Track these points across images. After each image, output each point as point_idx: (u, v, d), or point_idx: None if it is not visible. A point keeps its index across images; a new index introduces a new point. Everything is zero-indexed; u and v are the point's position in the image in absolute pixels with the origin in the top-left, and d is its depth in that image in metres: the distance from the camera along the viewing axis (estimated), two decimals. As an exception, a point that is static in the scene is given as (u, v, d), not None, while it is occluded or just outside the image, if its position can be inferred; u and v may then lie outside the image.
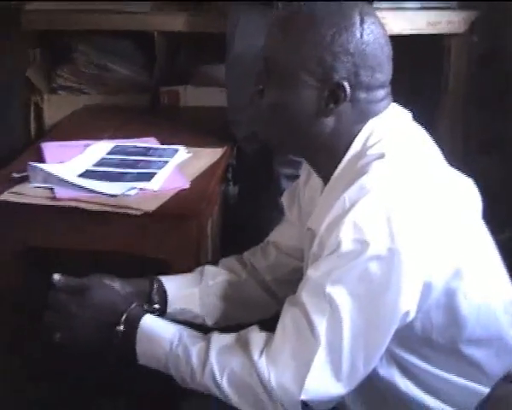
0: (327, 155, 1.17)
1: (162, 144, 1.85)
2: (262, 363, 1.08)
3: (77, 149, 1.78)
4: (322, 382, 1.07)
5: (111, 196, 1.50)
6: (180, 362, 1.14)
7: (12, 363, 1.55)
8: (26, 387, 1.58)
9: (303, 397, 1.07)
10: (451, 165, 1.21)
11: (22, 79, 2.09)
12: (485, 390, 1.09)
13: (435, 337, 1.13)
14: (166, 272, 1.38)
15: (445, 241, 1.10)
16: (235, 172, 2.02)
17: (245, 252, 1.43)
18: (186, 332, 1.17)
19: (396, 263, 1.05)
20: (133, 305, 1.21)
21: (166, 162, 1.69)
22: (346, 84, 1.11)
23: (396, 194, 1.08)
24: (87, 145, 1.81)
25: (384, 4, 2.08)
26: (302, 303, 1.09)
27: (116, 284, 1.28)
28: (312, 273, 1.10)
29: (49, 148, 1.82)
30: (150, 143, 1.86)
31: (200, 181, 1.62)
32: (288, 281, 1.35)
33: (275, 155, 1.83)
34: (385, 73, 1.15)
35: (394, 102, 1.19)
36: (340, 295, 1.06)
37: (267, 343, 1.11)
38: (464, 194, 1.19)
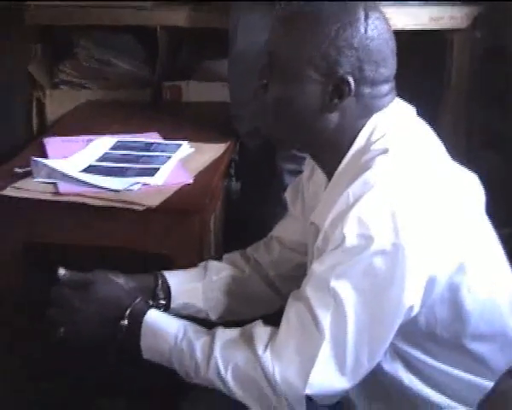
0: (331, 151, 1.17)
1: (165, 139, 1.84)
2: (266, 357, 1.09)
3: (79, 145, 1.78)
4: (327, 376, 1.07)
5: (114, 192, 1.50)
6: (184, 356, 1.14)
7: (12, 363, 1.55)
8: (26, 387, 1.58)
9: (307, 391, 1.07)
10: (454, 160, 1.21)
11: (24, 74, 2.09)
12: (489, 385, 1.09)
13: (439, 332, 1.13)
14: (169, 268, 1.38)
15: (449, 235, 1.10)
16: (238, 168, 2.01)
17: (248, 247, 1.43)
18: (190, 327, 1.17)
19: (400, 258, 1.05)
20: (137, 300, 1.21)
21: (169, 157, 1.69)
22: (350, 78, 1.11)
23: (400, 189, 1.08)
24: (90, 140, 1.81)
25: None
26: (306, 298, 1.09)
27: (120, 280, 1.28)
28: (317, 268, 1.10)
29: (52, 143, 1.81)
30: (153, 138, 1.86)
31: (203, 176, 1.61)
32: (292, 276, 1.35)
33: (278, 150, 1.83)
34: (389, 67, 1.15)
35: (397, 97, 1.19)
36: (344, 289, 1.06)
37: (271, 338, 1.11)
38: (468, 189, 1.19)
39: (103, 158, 1.71)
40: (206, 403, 1.14)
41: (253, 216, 1.99)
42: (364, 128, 1.15)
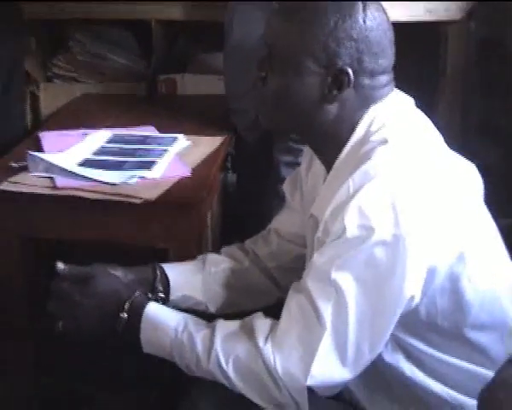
0: (330, 142, 1.16)
1: (161, 133, 1.84)
2: (267, 349, 1.09)
3: (75, 138, 1.77)
4: (328, 367, 1.07)
5: (111, 185, 1.50)
6: (185, 349, 1.13)
7: (10, 358, 1.54)
8: (25, 382, 1.57)
9: (309, 383, 1.07)
10: (450, 150, 1.21)
11: (21, 69, 2.08)
12: (490, 374, 1.09)
13: (440, 322, 1.13)
14: (166, 261, 1.38)
15: (449, 225, 1.10)
16: (234, 161, 2.01)
17: (247, 240, 1.43)
18: (191, 320, 1.17)
19: (401, 248, 1.05)
20: (137, 293, 1.21)
21: (166, 150, 1.69)
22: (349, 70, 1.11)
23: (400, 179, 1.08)
24: (85, 134, 1.80)
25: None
26: (307, 289, 1.09)
27: (119, 273, 1.28)
28: (317, 259, 1.10)
29: (48, 137, 1.81)
30: (149, 131, 1.85)
31: (200, 169, 1.61)
32: (291, 268, 1.35)
33: (275, 142, 1.83)
34: (388, 58, 1.15)
35: (393, 88, 1.19)
36: (345, 280, 1.06)
37: (272, 330, 1.11)
38: (466, 178, 1.19)
39: (100, 152, 1.70)
40: (206, 400, 1.13)
41: (249, 209, 1.99)
42: (363, 119, 1.15)
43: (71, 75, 2.32)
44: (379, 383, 1.18)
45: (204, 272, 1.35)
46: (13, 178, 1.53)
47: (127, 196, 1.45)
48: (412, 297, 1.08)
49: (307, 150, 1.35)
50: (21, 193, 1.49)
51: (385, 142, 1.11)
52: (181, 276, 1.34)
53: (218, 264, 1.37)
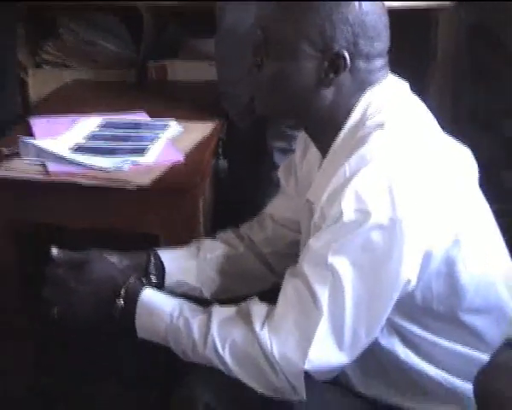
0: (326, 127, 1.16)
1: (152, 119, 1.83)
2: (264, 334, 1.09)
3: (65, 124, 1.76)
4: (325, 352, 1.07)
5: (104, 171, 1.49)
6: (181, 335, 1.13)
7: (4, 345, 1.53)
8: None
9: (306, 367, 1.07)
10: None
11: (12, 55, 2.06)
12: (485, 358, 1.09)
13: (435, 306, 1.13)
14: (157, 247, 1.37)
15: (445, 209, 1.10)
16: (225, 147, 2.01)
17: (241, 225, 1.43)
18: (186, 305, 1.17)
19: (398, 232, 1.05)
20: (132, 279, 1.20)
21: (158, 136, 1.68)
22: (345, 53, 1.11)
23: (396, 163, 1.08)
24: (76, 120, 1.79)
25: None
26: (304, 274, 1.09)
27: (114, 258, 1.27)
28: (314, 244, 1.10)
29: (38, 123, 1.79)
30: (140, 117, 1.84)
31: (193, 154, 1.60)
32: (286, 254, 1.35)
33: (268, 128, 1.82)
34: (383, 41, 1.15)
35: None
36: (342, 264, 1.06)
37: (269, 315, 1.11)
38: (461, 162, 1.19)
39: (91, 137, 1.69)
40: (203, 386, 1.13)
41: (241, 195, 1.99)
42: (359, 103, 1.14)
43: (60, 61, 2.30)
44: (375, 368, 1.18)
45: (199, 257, 1.35)
46: (4, 164, 1.52)
47: (121, 181, 1.45)
48: (408, 281, 1.08)
49: (301, 136, 1.34)
50: (13, 179, 1.47)
51: (381, 126, 1.11)
52: (176, 261, 1.34)
53: (213, 249, 1.37)
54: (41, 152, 1.53)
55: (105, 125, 1.76)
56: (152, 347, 1.16)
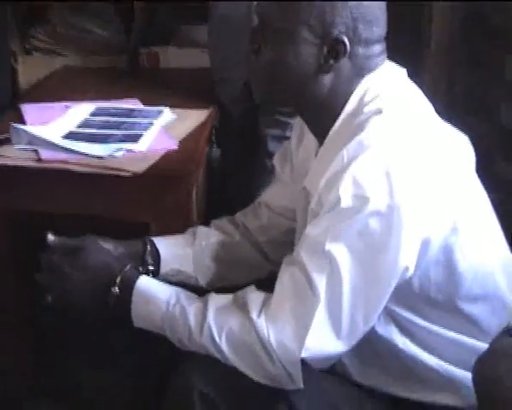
0: (324, 113, 1.15)
1: (145, 106, 1.81)
2: (261, 322, 1.08)
3: (57, 111, 1.74)
4: (323, 339, 1.07)
5: (98, 158, 1.47)
6: (177, 323, 1.12)
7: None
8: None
9: (303, 355, 1.07)
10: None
11: (3, 41, 2.03)
12: (483, 346, 1.09)
13: (433, 294, 1.13)
14: (154, 235, 1.36)
15: (443, 196, 1.10)
16: (218, 135, 1.99)
17: (237, 213, 1.42)
18: (182, 293, 1.16)
19: (395, 219, 1.05)
20: (128, 267, 1.19)
21: (152, 123, 1.66)
22: (345, 39, 1.10)
23: (394, 149, 1.07)
24: (68, 107, 1.77)
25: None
26: (301, 261, 1.09)
27: (109, 245, 1.26)
28: (311, 231, 1.09)
29: (29, 110, 1.77)
30: (133, 104, 1.82)
31: (188, 142, 1.59)
32: (281, 242, 1.34)
33: (262, 115, 1.81)
34: (381, 26, 1.15)
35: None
36: (339, 251, 1.06)
37: (265, 303, 1.10)
38: (459, 149, 1.19)
39: (84, 124, 1.67)
40: (199, 375, 1.12)
41: (234, 183, 1.98)
42: (357, 90, 1.14)
43: (50, 48, 2.27)
44: (372, 356, 1.17)
45: (194, 245, 1.34)
46: (-4, 151, 1.50)
47: (115, 169, 1.43)
48: (406, 268, 1.08)
49: (297, 122, 1.34)
50: (5, 166, 1.46)
51: (379, 112, 1.10)
52: (171, 250, 1.33)
53: (209, 237, 1.36)
54: (33, 139, 1.51)
55: (97, 113, 1.75)
56: (148, 336, 1.15)
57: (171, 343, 1.14)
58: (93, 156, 1.48)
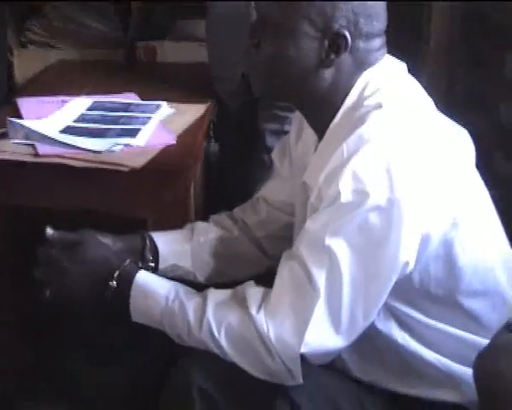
0: (324, 108, 1.15)
1: (142, 100, 1.80)
2: (260, 317, 1.07)
3: (54, 105, 1.73)
4: (322, 335, 1.07)
5: (95, 153, 1.46)
6: (176, 318, 1.12)
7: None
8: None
9: (302, 350, 1.06)
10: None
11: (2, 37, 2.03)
12: (483, 342, 1.09)
13: (433, 290, 1.13)
14: (152, 230, 1.35)
15: (443, 191, 1.09)
16: (216, 129, 1.99)
17: (235, 208, 1.41)
18: (182, 288, 1.15)
19: (395, 213, 1.04)
20: (127, 261, 1.19)
21: (150, 118, 1.65)
22: (346, 33, 1.09)
23: (395, 144, 1.07)
24: (64, 101, 1.76)
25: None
26: (300, 257, 1.08)
27: (108, 240, 1.26)
28: (310, 225, 1.09)
29: (26, 104, 1.76)
30: (130, 98, 1.81)
31: (186, 137, 1.58)
32: (280, 237, 1.34)
33: (260, 110, 1.81)
34: (381, 21, 1.14)
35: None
36: (339, 246, 1.05)
37: (265, 298, 1.09)
38: (459, 144, 1.19)
39: (81, 119, 1.66)
40: (199, 371, 1.12)
41: (232, 178, 1.97)
42: (357, 84, 1.13)
43: (46, 41, 2.25)
44: (371, 352, 1.17)
45: (193, 240, 1.34)
46: (-8, 146, 1.49)
47: (113, 163, 1.42)
48: (407, 263, 1.07)
49: (296, 118, 1.33)
50: (2, 160, 1.44)
51: (379, 106, 1.10)
52: (170, 245, 1.32)
53: (207, 233, 1.35)
54: (30, 133, 1.50)
55: (94, 107, 1.73)
56: (147, 332, 1.14)
57: (171, 339, 1.14)
58: (91, 151, 1.47)
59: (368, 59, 1.13)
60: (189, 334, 1.11)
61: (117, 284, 1.16)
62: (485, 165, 1.26)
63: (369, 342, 1.14)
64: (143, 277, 1.17)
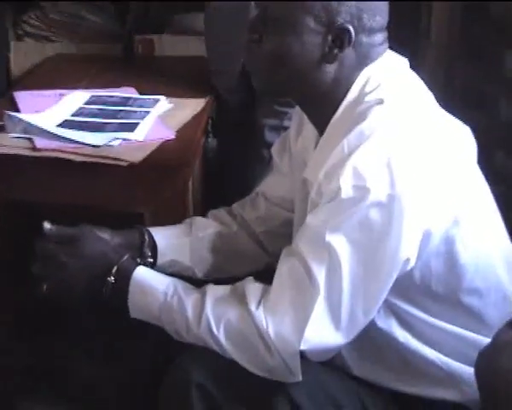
0: (326, 103, 1.14)
1: (140, 95, 1.79)
2: (260, 314, 1.07)
3: (52, 99, 1.72)
4: (322, 331, 1.06)
5: (94, 147, 1.46)
6: (175, 314, 1.11)
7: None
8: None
9: (302, 347, 1.05)
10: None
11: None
12: (484, 341, 1.08)
13: (434, 287, 1.12)
14: (150, 225, 1.35)
15: (445, 187, 1.09)
16: (215, 125, 1.98)
17: (234, 204, 1.40)
18: (180, 284, 1.14)
19: (396, 210, 1.04)
20: (125, 257, 1.18)
21: (148, 112, 1.65)
22: (350, 27, 1.09)
23: (396, 140, 1.06)
24: (62, 95, 1.75)
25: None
26: (300, 253, 1.07)
27: (106, 235, 1.24)
28: (311, 221, 1.08)
29: (23, 97, 1.75)
30: (129, 92, 1.80)
31: (185, 132, 1.58)
32: (279, 233, 1.33)
33: (259, 105, 1.80)
34: (383, 15, 1.13)
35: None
36: (339, 243, 1.04)
37: (264, 294, 1.09)
38: (461, 140, 1.18)
39: (79, 113, 1.66)
40: (198, 368, 1.11)
41: (231, 174, 1.97)
42: (358, 79, 1.13)
43: (43, 34, 2.24)
44: (371, 350, 1.16)
45: (191, 236, 1.33)
46: (-11, 139, 1.48)
47: (111, 158, 1.42)
48: (408, 260, 1.07)
49: (296, 113, 1.32)
50: (-1, 154, 1.44)
51: (380, 102, 1.09)
52: (168, 240, 1.31)
53: (206, 228, 1.34)
54: (28, 127, 1.50)
55: (92, 101, 1.73)
56: (146, 329, 1.13)
57: (169, 335, 1.13)
58: (89, 145, 1.46)
59: (370, 54, 1.12)
60: (188, 330, 1.10)
61: (115, 279, 1.15)
62: (485, 161, 1.26)
63: (370, 339, 1.14)
64: (142, 272, 1.16)
